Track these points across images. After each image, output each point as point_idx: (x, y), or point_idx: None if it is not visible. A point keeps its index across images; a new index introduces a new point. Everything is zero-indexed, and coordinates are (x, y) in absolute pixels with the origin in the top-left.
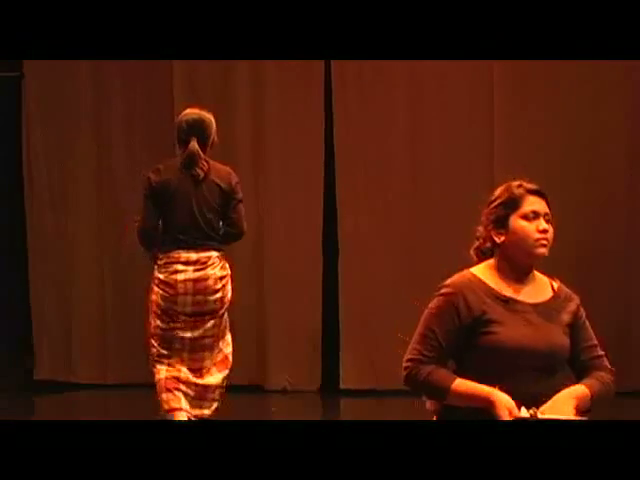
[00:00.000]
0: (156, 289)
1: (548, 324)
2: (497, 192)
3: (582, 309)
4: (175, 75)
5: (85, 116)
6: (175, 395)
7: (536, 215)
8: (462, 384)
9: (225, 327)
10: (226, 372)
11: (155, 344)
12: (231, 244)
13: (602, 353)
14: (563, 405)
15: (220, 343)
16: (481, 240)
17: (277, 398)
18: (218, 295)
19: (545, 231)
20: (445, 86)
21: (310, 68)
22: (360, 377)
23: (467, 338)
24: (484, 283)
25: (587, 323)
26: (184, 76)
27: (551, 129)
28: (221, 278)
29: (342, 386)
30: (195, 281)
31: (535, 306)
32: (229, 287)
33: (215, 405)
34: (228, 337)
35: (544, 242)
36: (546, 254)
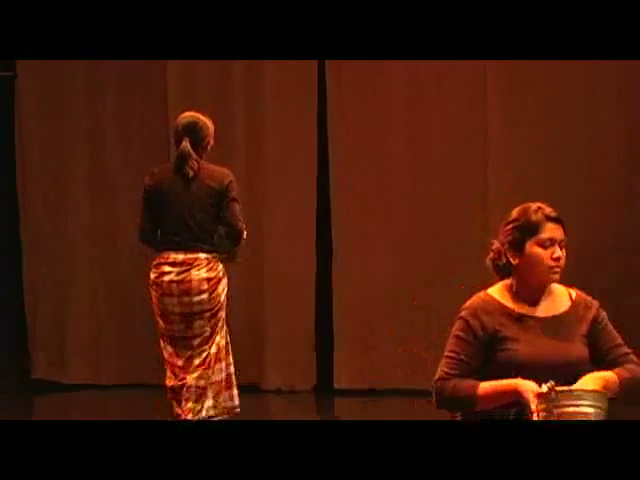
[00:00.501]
0: (151, 290)
1: (565, 337)
2: (515, 213)
3: (602, 312)
4: (169, 75)
5: (79, 116)
6: (181, 404)
7: (552, 242)
8: (486, 386)
9: (217, 328)
10: (208, 371)
11: (162, 344)
12: (237, 244)
13: (629, 351)
14: (588, 381)
15: (209, 343)
16: (496, 255)
17: (272, 398)
18: (204, 296)
19: (559, 259)
20: (440, 86)
21: (305, 68)
22: (354, 377)
23: (485, 356)
24: (498, 302)
25: (609, 325)
26: (179, 76)
27: (546, 129)
28: (208, 279)
29: (336, 386)
30: (178, 282)
31: (551, 320)
32: (220, 289)
33: (209, 403)
34: (218, 338)
35: (557, 270)
36: (557, 281)
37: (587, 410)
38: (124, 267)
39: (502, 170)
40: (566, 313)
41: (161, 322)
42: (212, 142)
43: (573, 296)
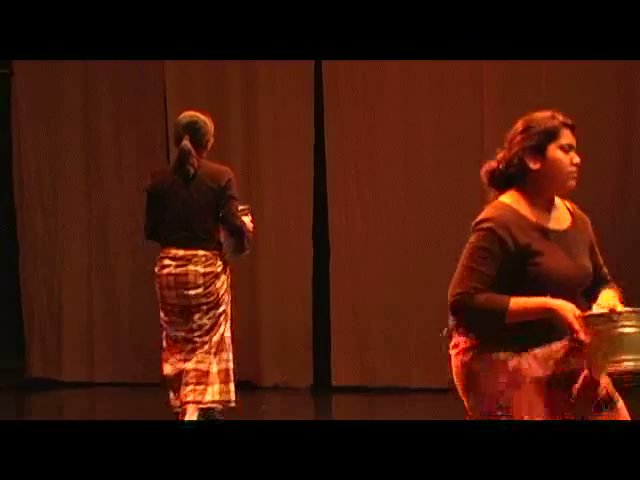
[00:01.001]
0: (155, 283)
1: (578, 249)
2: (529, 121)
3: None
4: (167, 75)
5: (75, 115)
6: (179, 393)
7: (571, 148)
8: (518, 300)
9: (218, 321)
10: (209, 356)
11: (163, 336)
12: (240, 240)
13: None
14: (610, 298)
15: (210, 334)
16: (502, 165)
17: (269, 395)
18: (199, 290)
19: (578, 164)
20: (437, 86)
21: (301, 68)
22: (351, 374)
23: (511, 270)
24: (521, 214)
25: (594, 238)
26: (176, 76)
27: None
28: (204, 274)
29: (334, 383)
30: (176, 276)
31: (565, 232)
32: (219, 284)
33: (215, 388)
34: (222, 329)
35: (575, 175)
36: (574, 188)
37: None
38: (119, 267)
39: None
40: (572, 226)
41: (162, 314)
42: (212, 141)
43: (571, 209)
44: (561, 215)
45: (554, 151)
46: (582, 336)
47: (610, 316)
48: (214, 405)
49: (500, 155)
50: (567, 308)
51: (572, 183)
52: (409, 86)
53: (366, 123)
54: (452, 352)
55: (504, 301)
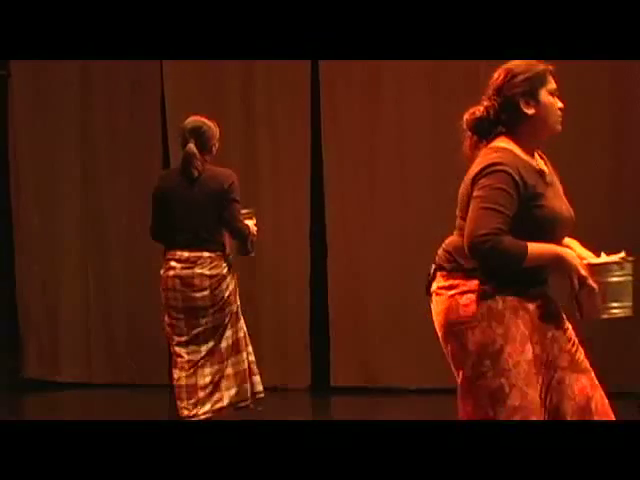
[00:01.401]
0: (160, 285)
1: (561, 193)
2: (515, 69)
3: None
4: (165, 75)
5: (72, 115)
6: (188, 403)
7: (555, 92)
8: (533, 246)
9: (224, 323)
10: (216, 367)
11: (169, 340)
12: (243, 242)
13: None
14: (576, 245)
15: (216, 338)
16: (492, 112)
17: (267, 396)
18: (205, 292)
19: (562, 109)
20: (432, 85)
21: (298, 68)
22: (350, 375)
23: (518, 213)
24: (522, 158)
25: None
26: (174, 77)
27: None
28: (210, 277)
29: (333, 384)
30: (181, 278)
31: (549, 176)
32: (224, 286)
33: (231, 392)
34: (229, 332)
35: (561, 119)
36: (560, 132)
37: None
38: (115, 267)
39: None
40: (551, 171)
41: (167, 318)
42: (217, 145)
43: (540, 154)
44: (537, 159)
45: (545, 96)
46: (591, 282)
47: (621, 264)
48: (232, 406)
49: (487, 103)
50: (573, 255)
51: (559, 127)
52: (405, 86)
53: (363, 123)
54: (447, 293)
55: (524, 246)
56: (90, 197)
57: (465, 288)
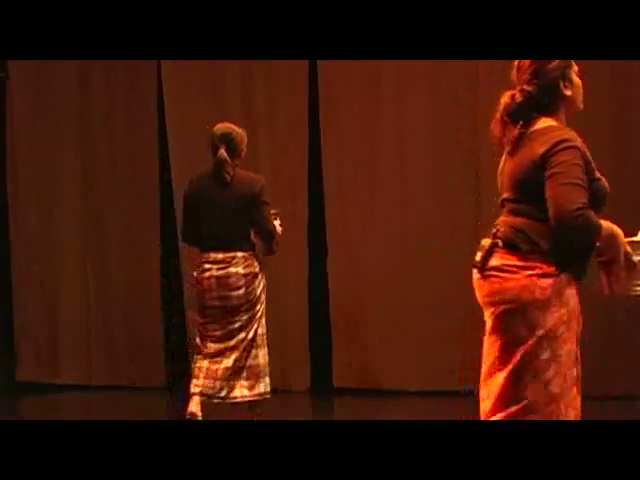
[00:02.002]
0: (193, 287)
1: None
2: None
3: None
4: (164, 76)
5: (70, 117)
6: (204, 382)
7: (577, 73)
8: (603, 223)
9: (254, 319)
10: (244, 354)
11: (197, 338)
12: (270, 242)
13: None
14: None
15: (246, 332)
16: (532, 95)
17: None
18: (241, 291)
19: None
20: (431, 85)
21: (297, 68)
22: (352, 376)
23: None
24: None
25: None
26: (172, 77)
27: None
28: (245, 275)
29: (335, 385)
30: (218, 278)
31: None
32: (256, 283)
33: (245, 383)
34: (256, 326)
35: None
36: None
37: None
38: (113, 268)
39: (494, 169)
40: None
41: (199, 317)
42: (245, 150)
43: None
44: None
45: (575, 77)
46: (635, 259)
47: None
48: (245, 399)
49: (527, 87)
50: (621, 232)
51: (582, 105)
52: (406, 86)
53: (363, 123)
54: (523, 272)
55: (600, 222)
56: (89, 197)
57: (543, 271)
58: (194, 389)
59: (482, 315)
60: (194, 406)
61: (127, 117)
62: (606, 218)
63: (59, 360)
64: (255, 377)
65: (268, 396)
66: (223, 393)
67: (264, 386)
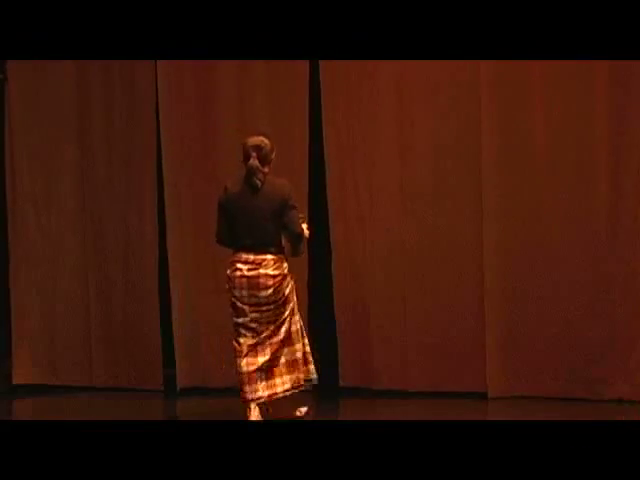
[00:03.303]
0: (226, 285)
1: None
2: None
3: None
4: (160, 76)
5: (68, 118)
6: (252, 387)
7: None
8: None
9: (283, 317)
10: (269, 356)
11: (234, 336)
12: (298, 244)
13: None
14: None
15: (276, 330)
16: None
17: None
18: (269, 291)
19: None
20: (432, 85)
21: (296, 68)
22: (356, 375)
23: None
24: None
25: None
26: (169, 77)
27: (536, 127)
28: (274, 276)
29: (341, 383)
30: (249, 278)
31: None
32: (285, 284)
33: (285, 378)
34: (287, 325)
35: None
36: None
37: None
38: (112, 268)
39: (495, 170)
40: None
41: (233, 312)
42: (274, 159)
43: None
44: None
45: None
46: None
47: None
48: (287, 393)
49: None
50: None
51: None
52: (406, 86)
53: (363, 123)
54: None
55: None
56: (87, 198)
57: None
58: (246, 395)
59: (483, 315)
60: (254, 415)
61: (126, 118)
62: (606, 219)
63: (57, 362)
64: (293, 370)
65: (314, 382)
66: (269, 391)
67: (305, 373)
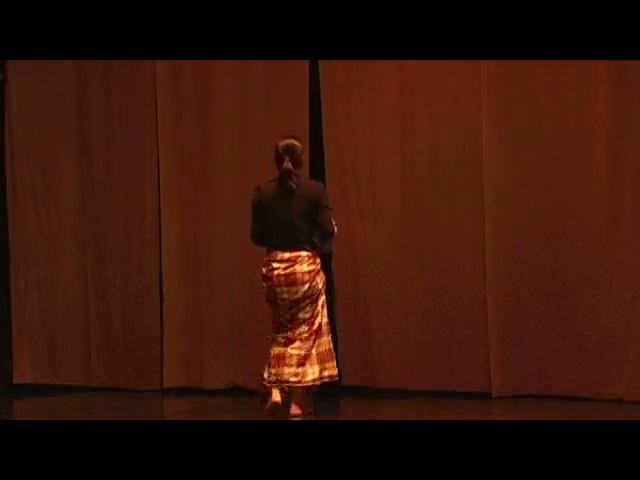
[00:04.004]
0: (263, 283)
1: None
2: None
3: None
4: (159, 76)
5: (68, 118)
6: (279, 370)
7: None
8: None
9: (317, 310)
10: (309, 342)
11: (271, 329)
12: (330, 241)
13: None
14: None
15: (311, 321)
16: None
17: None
18: (306, 286)
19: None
20: (433, 85)
21: (296, 68)
22: (357, 375)
23: None
24: None
25: None
26: (167, 77)
27: (537, 127)
28: (309, 272)
29: (343, 382)
30: (286, 276)
31: None
32: (318, 279)
33: (314, 368)
34: (320, 317)
35: None
36: None
37: None
38: (112, 268)
39: (496, 169)
40: None
41: (270, 308)
42: (305, 160)
43: None
44: None
45: None
46: None
47: None
48: (316, 382)
49: None
50: None
51: None
52: (406, 86)
53: (363, 123)
54: None
55: None
56: (87, 198)
57: None
58: (270, 377)
59: (485, 314)
60: (277, 396)
61: (125, 118)
62: (606, 219)
63: (57, 362)
64: (322, 362)
65: (336, 378)
66: (296, 378)
67: (331, 368)
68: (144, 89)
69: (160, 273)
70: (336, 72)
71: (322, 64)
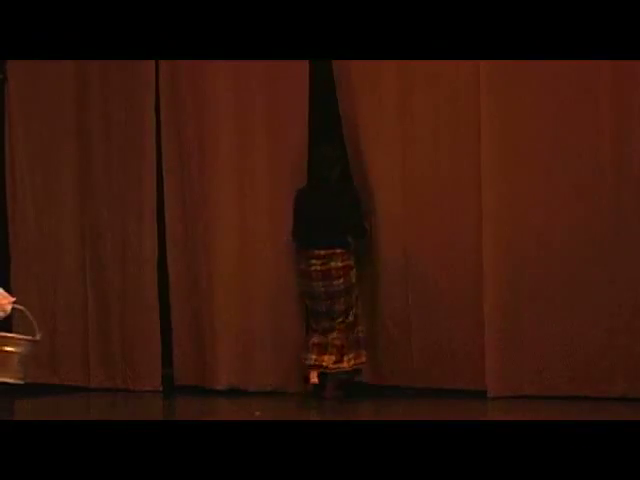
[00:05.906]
0: (299, 279)
1: None
2: None
3: None
4: (158, 76)
5: (68, 118)
6: (319, 357)
7: None
8: None
9: (350, 302)
10: (347, 333)
11: (310, 322)
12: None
13: None
14: None
15: (346, 313)
16: None
17: (267, 399)
18: (340, 280)
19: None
20: (432, 85)
21: (296, 68)
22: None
23: None
24: None
25: None
26: (168, 77)
27: (537, 127)
28: (343, 268)
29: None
30: (323, 272)
31: None
32: (351, 274)
33: (349, 356)
34: (354, 309)
35: None
36: None
37: None
38: (111, 268)
39: (494, 172)
40: None
41: (308, 302)
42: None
43: None
44: None
45: None
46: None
47: None
48: (350, 369)
49: None
50: None
51: None
52: (406, 85)
53: (363, 124)
54: None
55: None
56: (87, 198)
57: None
58: (310, 362)
59: (482, 313)
60: (315, 378)
61: (125, 118)
62: (607, 221)
63: (57, 361)
64: (357, 349)
65: (364, 365)
66: (334, 365)
67: (364, 355)
68: (144, 89)
69: (160, 273)
70: (336, 72)
71: (322, 64)
